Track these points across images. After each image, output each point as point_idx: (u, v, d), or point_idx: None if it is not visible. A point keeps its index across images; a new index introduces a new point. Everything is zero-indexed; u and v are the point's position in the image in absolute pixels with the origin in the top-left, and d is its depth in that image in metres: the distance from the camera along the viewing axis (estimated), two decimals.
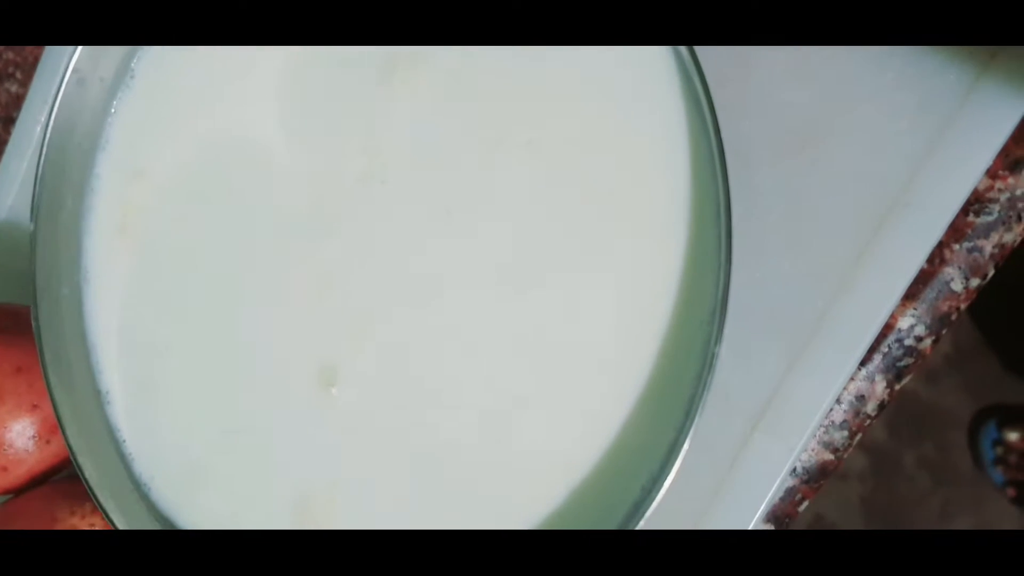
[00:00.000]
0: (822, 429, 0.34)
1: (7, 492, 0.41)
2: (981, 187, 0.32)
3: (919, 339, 0.33)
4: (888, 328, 0.33)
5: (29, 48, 0.47)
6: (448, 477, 0.31)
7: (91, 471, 0.32)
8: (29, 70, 0.48)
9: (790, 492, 0.35)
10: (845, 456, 0.34)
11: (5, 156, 0.46)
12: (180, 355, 0.33)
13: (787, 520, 0.35)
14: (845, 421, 0.34)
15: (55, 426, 0.41)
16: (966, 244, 0.32)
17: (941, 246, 0.32)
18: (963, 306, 0.33)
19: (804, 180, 0.32)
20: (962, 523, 1.15)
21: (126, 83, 0.34)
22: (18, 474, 0.41)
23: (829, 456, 0.34)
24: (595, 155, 0.29)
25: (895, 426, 1.15)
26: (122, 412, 0.34)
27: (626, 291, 0.29)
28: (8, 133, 0.48)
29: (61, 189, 0.34)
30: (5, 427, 0.40)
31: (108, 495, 0.32)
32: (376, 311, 0.31)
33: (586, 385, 0.29)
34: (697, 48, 0.27)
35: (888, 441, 1.16)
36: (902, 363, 0.33)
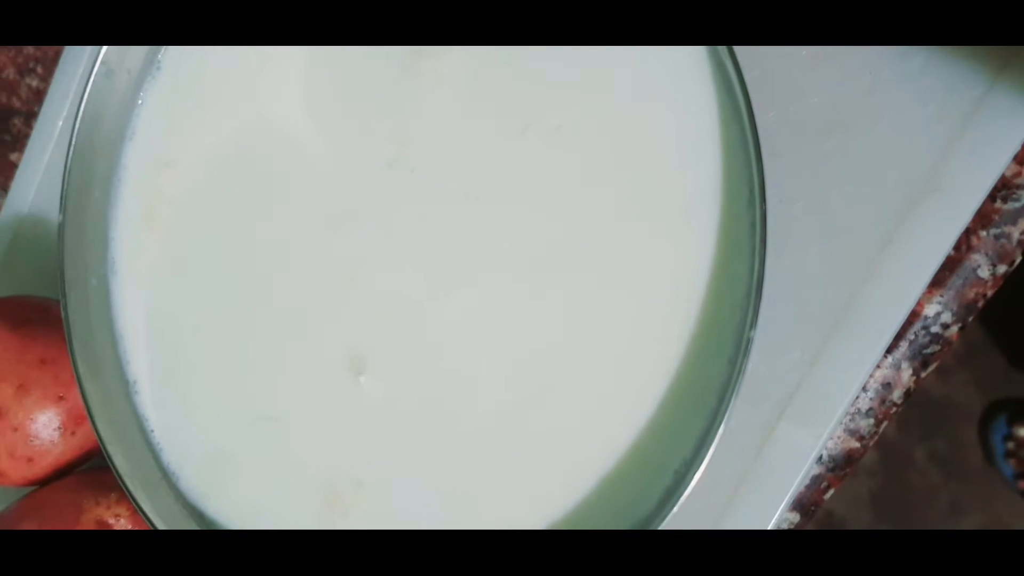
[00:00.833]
0: (848, 417, 0.34)
1: (32, 483, 0.42)
2: (1008, 173, 0.32)
3: (945, 326, 0.33)
4: (914, 315, 0.33)
5: None
6: (476, 466, 0.31)
7: (120, 461, 0.32)
8: (50, 65, 0.48)
9: (816, 480, 0.35)
10: (871, 444, 0.34)
11: (27, 150, 0.46)
12: (207, 345, 0.34)
13: (813, 508, 0.35)
14: (871, 409, 0.34)
15: (80, 417, 0.41)
16: (993, 231, 0.32)
17: (968, 233, 0.32)
18: (990, 293, 0.33)
19: (830, 167, 0.32)
20: (973, 518, 1.15)
21: (152, 75, 0.34)
22: (43, 465, 0.41)
23: (855, 444, 0.34)
24: (625, 141, 0.29)
25: (905, 421, 1.15)
26: (150, 402, 0.34)
27: (658, 276, 0.29)
28: (30, 128, 0.48)
29: (89, 180, 0.34)
30: (31, 418, 0.40)
31: (138, 484, 0.32)
32: (404, 299, 0.31)
33: (618, 372, 0.29)
34: None
35: (898, 436, 1.15)
36: (928, 350, 0.33)
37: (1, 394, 0.40)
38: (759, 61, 0.32)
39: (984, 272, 0.33)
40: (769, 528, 0.34)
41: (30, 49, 0.48)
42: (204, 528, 0.33)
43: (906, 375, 0.34)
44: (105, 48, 0.32)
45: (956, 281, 0.33)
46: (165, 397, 0.34)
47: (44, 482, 0.42)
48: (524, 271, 0.30)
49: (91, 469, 0.43)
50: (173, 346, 0.34)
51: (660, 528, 0.28)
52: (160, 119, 0.34)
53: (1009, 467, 1.13)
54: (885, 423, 0.34)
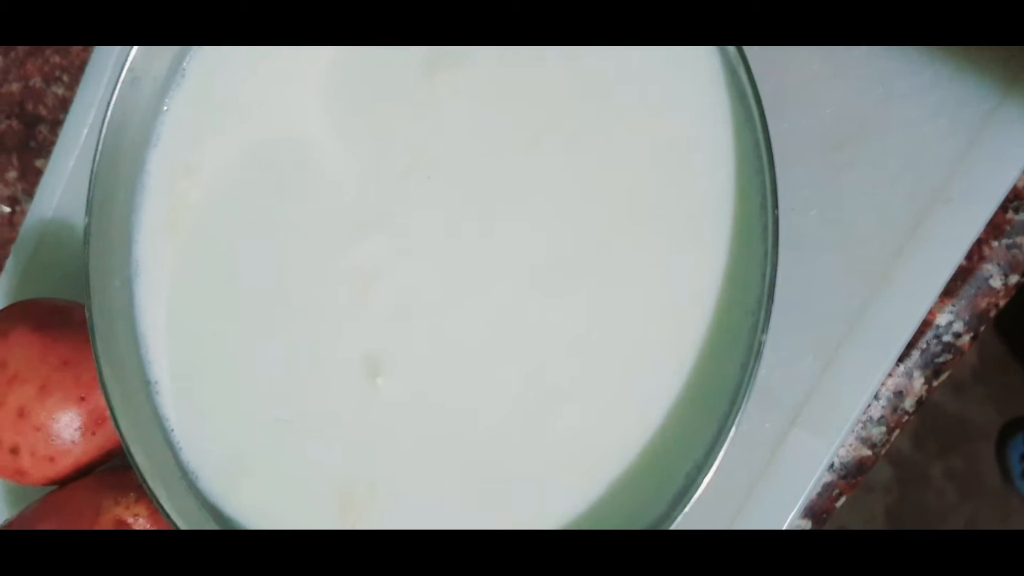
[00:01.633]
0: (860, 425, 0.34)
1: (53, 482, 0.42)
2: (1021, 184, 0.32)
3: (957, 335, 0.33)
4: (926, 325, 0.33)
5: (75, 51, 0.49)
6: (491, 468, 0.31)
7: (142, 459, 0.33)
8: (76, 74, 0.49)
9: (827, 488, 0.35)
10: (883, 452, 0.34)
11: (53, 157, 0.47)
12: (226, 347, 0.34)
13: (824, 516, 0.35)
14: (883, 417, 0.34)
15: (101, 418, 0.41)
16: (1005, 241, 0.33)
17: (980, 243, 0.33)
18: (1002, 303, 0.33)
19: (843, 177, 0.32)
20: None
21: (177, 82, 0.35)
22: (64, 465, 0.42)
23: (867, 452, 0.34)
24: (638, 147, 0.29)
25: (921, 438, 1.15)
26: (170, 402, 0.35)
27: (671, 281, 0.29)
28: (55, 135, 0.49)
29: (114, 185, 0.35)
30: (52, 418, 0.41)
31: (159, 483, 0.33)
32: (420, 304, 0.32)
33: (630, 376, 0.30)
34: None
35: (914, 453, 1.15)
36: (940, 359, 0.34)
37: (24, 394, 0.41)
38: (773, 73, 0.33)
39: (996, 282, 0.33)
40: None
41: (56, 58, 0.49)
42: (223, 527, 0.33)
43: (918, 384, 0.34)
44: (132, 56, 0.33)
45: (968, 291, 0.33)
46: (185, 398, 0.35)
47: (64, 482, 0.43)
48: (538, 277, 0.30)
49: (110, 470, 0.43)
50: (193, 348, 0.35)
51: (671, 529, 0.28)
52: (184, 126, 0.35)
53: None
54: (897, 431, 0.34)
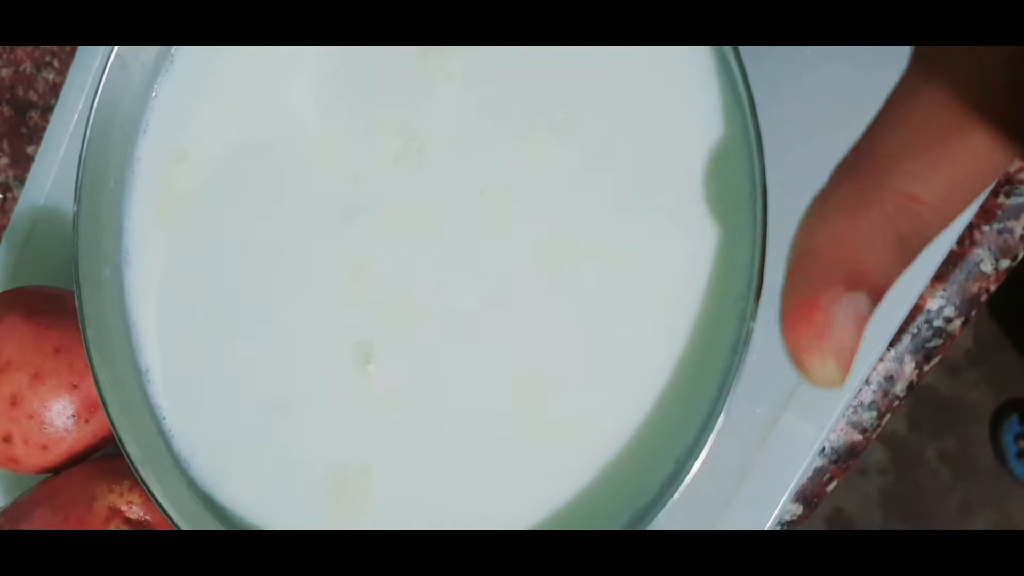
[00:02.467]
0: (851, 410, 0.34)
1: (46, 470, 0.42)
2: (1012, 168, 0.32)
3: (948, 320, 0.33)
4: (917, 309, 0.33)
5: None
6: (481, 453, 0.31)
7: (133, 447, 0.33)
8: (67, 59, 0.48)
9: (819, 472, 0.35)
10: (874, 437, 0.34)
11: (43, 143, 0.47)
12: (218, 334, 0.34)
13: (816, 500, 0.35)
14: (874, 402, 0.34)
15: (94, 406, 0.42)
16: (996, 225, 0.33)
17: (971, 227, 0.33)
18: (992, 288, 0.33)
19: (836, 160, 0.32)
20: (983, 517, 1.14)
21: (166, 68, 0.35)
22: (57, 453, 0.42)
23: (858, 437, 0.35)
24: (629, 133, 0.29)
25: (916, 420, 1.15)
26: (162, 390, 0.35)
27: (660, 268, 0.29)
28: (46, 121, 0.49)
29: (103, 172, 0.35)
30: (45, 406, 0.41)
31: (150, 471, 0.33)
32: (411, 290, 0.32)
33: (623, 362, 0.30)
34: None
35: (909, 435, 1.15)
36: (931, 344, 0.34)
37: (16, 382, 0.41)
38: (765, 56, 0.33)
39: (987, 267, 0.33)
40: (772, 519, 0.34)
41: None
42: (214, 514, 0.33)
43: (909, 368, 0.34)
44: None
45: (959, 275, 0.33)
46: (177, 385, 0.35)
47: (57, 470, 0.43)
48: (530, 262, 0.30)
49: (104, 457, 0.43)
50: (185, 335, 0.35)
51: (663, 514, 0.28)
52: (173, 112, 0.35)
53: (1021, 467, 1.12)
54: (888, 416, 0.34)
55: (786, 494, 0.34)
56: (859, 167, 0.20)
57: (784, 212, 0.32)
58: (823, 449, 0.35)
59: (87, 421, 0.42)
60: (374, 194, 0.32)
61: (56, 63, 0.49)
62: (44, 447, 0.41)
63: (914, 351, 0.34)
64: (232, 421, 0.34)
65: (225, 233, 0.34)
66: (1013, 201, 0.32)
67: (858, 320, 0.19)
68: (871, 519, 1.15)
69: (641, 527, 0.28)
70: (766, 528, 0.34)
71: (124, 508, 0.41)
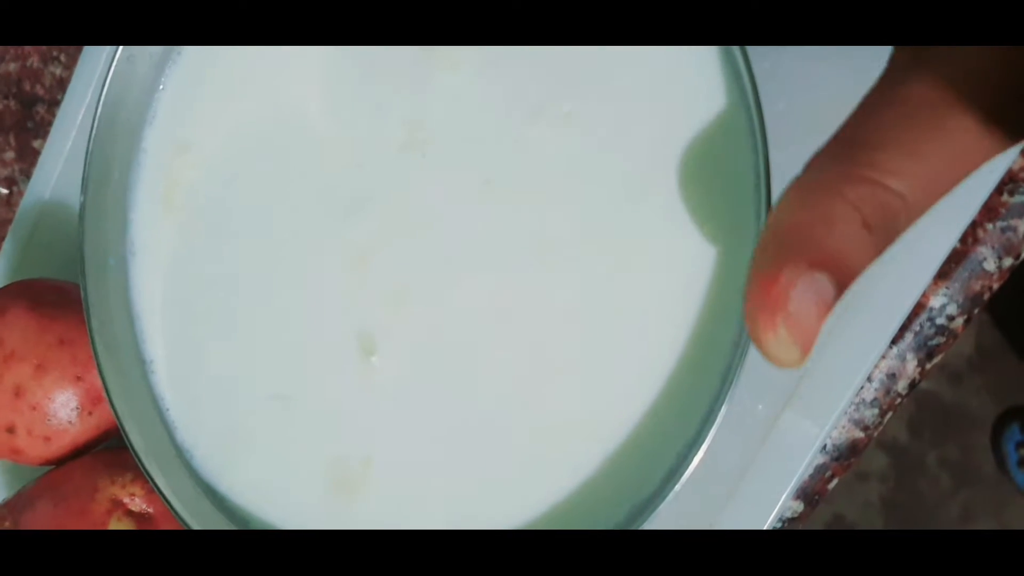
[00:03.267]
0: (853, 407, 0.34)
1: (49, 462, 0.42)
2: (1015, 167, 0.32)
3: (951, 318, 0.34)
4: (920, 307, 0.33)
5: None
6: (483, 444, 0.31)
7: (136, 437, 0.33)
8: (74, 54, 0.49)
9: (820, 469, 0.35)
10: (875, 434, 0.34)
11: (50, 137, 0.47)
12: (222, 325, 0.34)
13: (816, 498, 0.35)
14: (876, 399, 0.34)
15: (97, 398, 0.42)
16: (999, 224, 0.33)
17: (974, 225, 0.33)
18: (995, 286, 0.33)
19: None
20: (983, 525, 1.14)
21: (173, 59, 0.35)
22: (60, 444, 0.42)
23: (859, 434, 0.35)
24: (633, 126, 0.30)
25: (917, 427, 1.15)
26: (165, 381, 0.35)
27: (663, 260, 0.29)
28: (52, 115, 0.49)
29: (110, 163, 0.35)
30: (49, 397, 0.41)
31: (153, 461, 0.33)
32: (415, 281, 0.32)
33: (625, 354, 0.30)
34: None
35: (910, 442, 1.15)
36: (933, 342, 0.34)
37: (20, 373, 0.41)
38: (769, 53, 0.33)
39: (990, 265, 0.33)
40: (773, 516, 0.34)
41: None
42: (216, 505, 0.34)
43: (911, 366, 0.34)
44: None
45: (962, 273, 0.33)
46: (180, 376, 0.35)
47: (60, 462, 0.43)
48: (534, 254, 0.31)
49: (106, 449, 0.43)
50: (189, 326, 0.35)
51: (664, 511, 0.28)
52: (180, 104, 0.35)
53: (1022, 475, 1.12)
54: (890, 414, 0.34)
55: (787, 491, 0.34)
56: (834, 155, 0.21)
57: None
58: (824, 446, 0.35)
59: (90, 413, 0.42)
60: (378, 184, 0.32)
61: (63, 58, 0.49)
62: (47, 438, 0.41)
63: (916, 349, 0.34)
64: (235, 412, 0.34)
65: (229, 224, 0.34)
66: (1017, 199, 0.32)
67: (820, 302, 0.19)
68: (871, 526, 1.15)
69: (643, 519, 0.28)
70: (766, 526, 0.34)
71: (126, 500, 0.41)
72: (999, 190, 0.32)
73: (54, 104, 0.49)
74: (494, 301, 0.31)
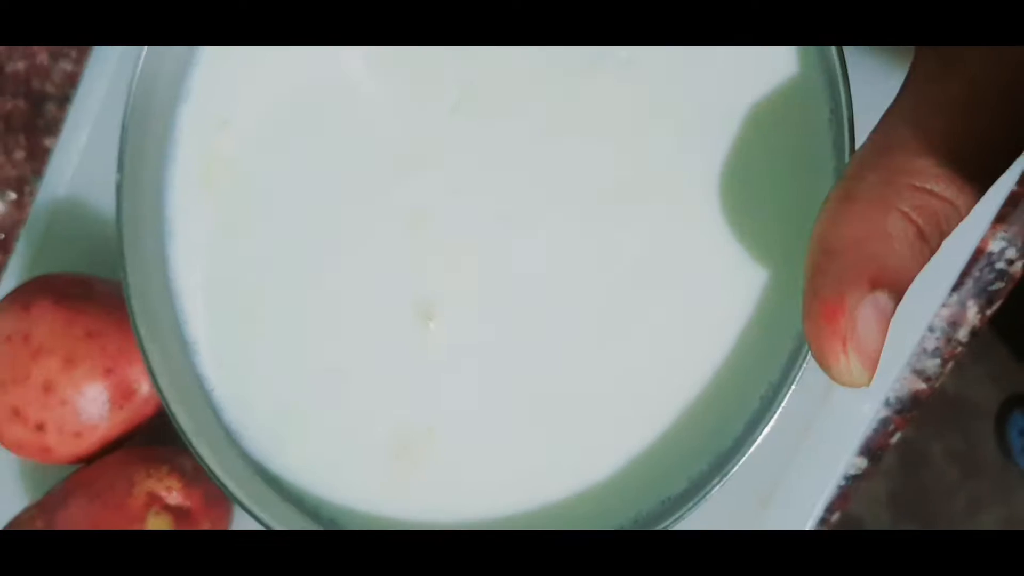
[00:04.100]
0: (914, 357, 0.34)
1: (79, 460, 0.41)
2: None
3: (1010, 262, 0.33)
4: (979, 252, 0.33)
5: None
6: (550, 407, 0.30)
7: (185, 419, 0.32)
8: (84, 50, 0.48)
9: (883, 423, 0.35)
10: (937, 385, 0.34)
11: (64, 132, 0.46)
12: (269, 300, 0.33)
13: (880, 452, 0.35)
14: (937, 348, 0.34)
15: (128, 392, 0.40)
16: None
17: None
18: None
19: None
20: (991, 514, 1.14)
21: None
22: (91, 440, 0.40)
23: (922, 385, 0.34)
24: (695, 72, 0.29)
25: (921, 418, 1.15)
26: (210, 361, 0.34)
27: (739, 209, 0.29)
28: (63, 112, 0.48)
29: (144, 141, 0.34)
30: (80, 392, 0.40)
31: (203, 443, 0.32)
32: (471, 243, 0.31)
33: (700, 301, 0.29)
34: None
35: (914, 434, 1.15)
36: (993, 287, 0.33)
37: (48, 367, 0.40)
38: None
39: None
40: (838, 474, 0.33)
41: None
42: (269, 484, 0.32)
43: (972, 313, 0.34)
44: None
45: (1020, 216, 0.33)
46: (226, 356, 0.34)
47: (90, 459, 0.41)
48: (595, 209, 0.30)
49: (138, 445, 0.42)
50: (233, 304, 0.34)
51: (734, 469, 0.28)
52: (216, 78, 0.34)
53: None
54: (951, 363, 0.34)
55: (852, 448, 0.34)
56: (875, 164, 0.21)
57: None
58: (887, 399, 0.34)
59: (121, 407, 0.41)
60: (430, 146, 0.31)
61: (73, 53, 0.48)
62: (78, 434, 0.40)
63: (976, 295, 0.33)
64: (286, 388, 0.33)
65: (274, 196, 0.33)
66: None
67: (881, 320, 0.20)
68: (879, 521, 1.15)
69: (726, 470, 0.28)
70: (832, 484, 0.34)
71: (163, 494, 0.39)
72: None
73: (65, 101, 0.48)
74: (555, 260, 0.30)
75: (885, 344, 0.20)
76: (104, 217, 0.46)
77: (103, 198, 0.45)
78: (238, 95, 0.34)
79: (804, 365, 0.27)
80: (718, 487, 0.27)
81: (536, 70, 0.30)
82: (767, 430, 0.27)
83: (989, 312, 0.33)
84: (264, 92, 0.34)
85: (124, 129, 0.33)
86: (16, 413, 0.39)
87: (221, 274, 0.34)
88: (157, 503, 0.39)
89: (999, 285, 0.33)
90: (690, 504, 0.27)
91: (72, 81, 0.48)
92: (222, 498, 0.40)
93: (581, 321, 0.30)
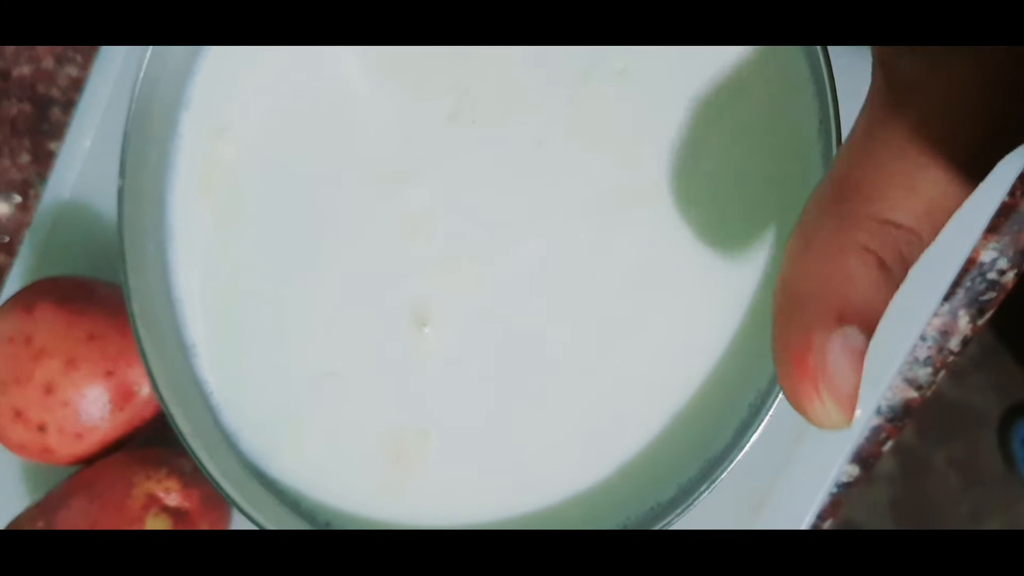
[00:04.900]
0: (906, 366, 0.34)
1: (79, 461, 0.41)
2: None
3: (1002, 272, 0.33)
4: (970, 263, 0.33)
5: None
6: (544, 411, 0.31)
7: (182, 421, 0.32)
8: (89, 53, 0.48)
9: (875, 431, 0.35)
10: (929, 394, 0.34)
11: (68, 136, 0.47)
12: (267, 304, 0.34)
13: (872, 460, 0.35)
14: (929, 357, 0.34)
15: (128, 393, 0.41)
16: None
17: (1022, 178, 0.33)
18: None
19: None
20: (994, 524, 1.14)
21: None
22: (92, 442, 0.41)
23: (913, 394, 0.34)
24: (687, 81, 0.29)
25: (923, 427, 1.15)
26: (208, 364, 0.34)
27: (728, 214, 0.29)
28: (68, 116, 0.48)
29: (146, 147, 0.34)
30: (80, 394, 0.40)
31: (200, 444, 0.32)
32: (467, 249, 0.31)
33: (690, 308, 0.29)
34: None
35: (916, 442, 1.15)
36: (985, 297, 0.34)
37: (50, 369, 0.40)
38: None
39: None
40: (830, 481, 0.34)
41: None
42: (265, 487, 0.33)
43: (963, 322, 0.34)
44: None
45: (1011, 227, 0.33)
46: (224, 359, 0.34)
47: (90, 460, 0.42)
48: (588, 216, 0.30)
49: (138, 447, 0.42)
50: (232, 308, 0.34)
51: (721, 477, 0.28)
52: (216, 85, 0.35)
53: None
54: (942, 372, 0.34)
55: (843, 455, 0.34)
56: (836, 202, 0.21)
57: None
58: (879, 408, 0.35)
59: (121, 409, 0.41)
60: (427, 153, 0.32)
61: (79, 58, 0.49)
62: (78, 436, 0.41)
63: (968, 304, 0.34)
64: (282, 392, 0.33)
65: (272, 201, 0.34)
66: None
67: (853, 356, 0.19)
68: (881, 528, 1.15)
69: (716, 477, 0.28)
70: (823, 491, 0.34)
71: (162, 495, 0.40)
72: None
73: (69, 105, 0.49)
74: (549, 266, 0.31)
75: (861, 383, 0.20)
76: (107, 221, 0.46)
77: (106, 202, 0.46)
78: (238, 102, 0.34)
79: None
80: (707, 493, 0.28)
81: (531, 79, 0.31)
82: (755, 436, 0.27)
83: (980, 322, 0.34)
84: (263, 99, 0.34)
85: (126, 135, 0.33)
86: (18, 414, 0.39)
87: (220, 278, 0.34)
88: (156, 504, 0.39)
89: (991, 295, 0.34)
90: (679, 510, 0.28)
91: (77, 86, 0.49)
92: (220, 499, 0.41)
93: (573, 328, 0.31)
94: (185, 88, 0.35)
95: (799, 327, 0.20)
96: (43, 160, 0.49)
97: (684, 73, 0.29)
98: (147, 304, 0.34)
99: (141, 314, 0.33)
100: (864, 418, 0.33)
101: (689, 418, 0.29)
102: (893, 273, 0.20)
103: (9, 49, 0.49)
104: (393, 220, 0.32)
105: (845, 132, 0.31)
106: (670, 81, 0.30)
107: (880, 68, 0.21)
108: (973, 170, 0.20)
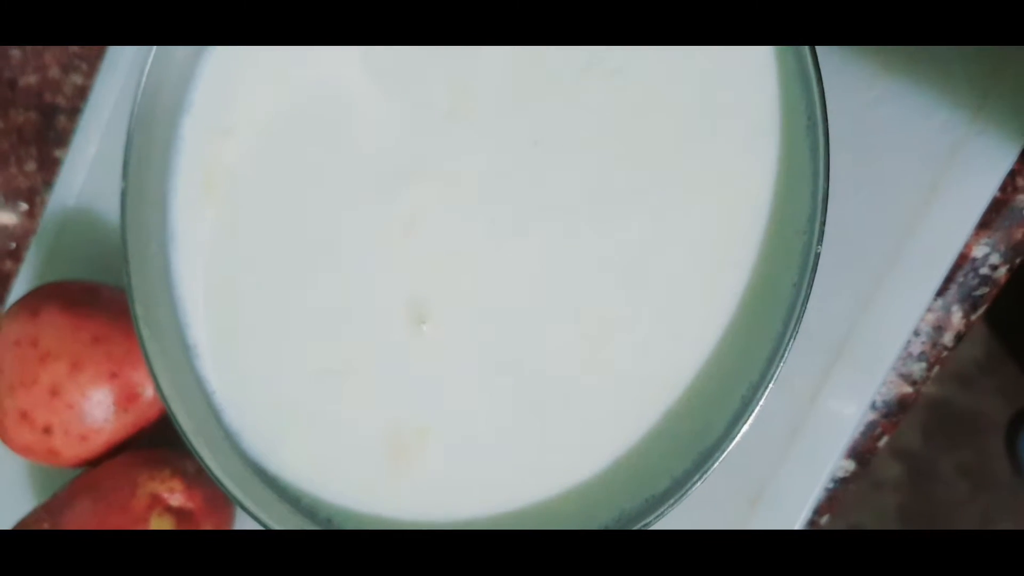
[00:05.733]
0: (900, 361, 0.34)
1: (84, 462, 0.42)
2: None
3: (994, 268, 0.34)
4: (963, 258, 0.34)
5: None
6: (540, 407, 0.31)
7: (184, 419, 0.33)
8: (94, 62, 0.49)
9: (870, 427, 0.35)
10: (923, 389, 0.34)
11: (74, 143, 0.47)
12: (268, 304, 0.34)
13: (867, 456, 0.35)
14: (923, 352, 0.34)
15: (132, 395, 0.41)
16: None
17: (1013, 174, 0.33)
18: None
19: (874, 113, 0.33)
20: (1003, 529, 1.13)
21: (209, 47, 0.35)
22: (97, 443, 0.41)
23: (908, 389, 0.35)
24: (682, 78, 0.30)
25: (930, 432, 1.15)
26: (210, 364, 0.35)
27: (721, 207, 0.29)
28: (73, 124, 0.49)
29: (148, 150, 0.35)
30: (85, 396, 0.41)
31: (202, 443, 0.33)
32: (464, 246, 0.32)
33: (685, 304, 0.30)
34: None
35: (924, 448, 1.15)
36: (977, 292, 0.34)
37: (55, 372, 0.40)
38: None
39: None
40: (825, 476, 0.34)
41: (75, 47, 0.49)
42: (267, 485, 0.33)
43: (956, 318, 0.34)
44: None
45: (1003, 222, 0.33)
46: (226, 359, 0.35)
47: (95, 462, 0.42)
48: (585, 212, 0.31)
49: (142, 448, 0.43)
50: (233, 308, 0.35)
51: (716, 473, 0.28)
52: (218, 89, 0.35)
53: None
54: (936, 367, 0.34)
55: (839, 450, 0.34)
56: None
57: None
58: (873, 403, 0.35)
59: (126, 410, 0.41)
60: (425, 152, 0.32)
61: (84, 66, 0.49)
62: (84, 437, 0.41)
63: (961, 300, 0.34)
64: (283, 390, 0.34)
65: (273, 202, 0.34)
66: None
67: None
68: None
69: (707, 468, 0.28)
70: (819, 486, 0.34)
71: (166, 495, 0.40)
72: None
73: (75, 113, 0.49)
74: (546, 262, 0.31)
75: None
76: (112, 226, 0.47)
77: (111, 208, 0.46)
78: (239, 106, 0.35)
79: (782, 364, 0.27)
80: (699, 484, 0.28)
81: (528, 79, 0.31)
82: (746, 428, 0.27)
83: (973, 317, 0.34)
84: (264, 103, 0.35)
85: (129, 138, 0.34)
86: (24, 416, 0.40)
87: (222, 279, 0.35)
88: (160, 504, 0.39)
89: (983, 290, 0.34)
90: (671, 501, 0.28)
91: (82, 94, 0.49)
92: (223, 499, 0.41)
93: (568, 324, 0.31)
94: (187, 92, 0.36)
95: None
96: (49, 167, 0.50)
97: (678, 73, 0.30)
98: (150, 306, 0.34)
99: (144, 316, 0.34)
100: (859, 413, 0.33)
101: (682, 412, 0.29)
102: None
103: (16, 58, 0.50)
104: (391, 219, 0.32)
105: (833, 128, 0.31)
106: (664, 80, 0.30)
107: None
108: None
